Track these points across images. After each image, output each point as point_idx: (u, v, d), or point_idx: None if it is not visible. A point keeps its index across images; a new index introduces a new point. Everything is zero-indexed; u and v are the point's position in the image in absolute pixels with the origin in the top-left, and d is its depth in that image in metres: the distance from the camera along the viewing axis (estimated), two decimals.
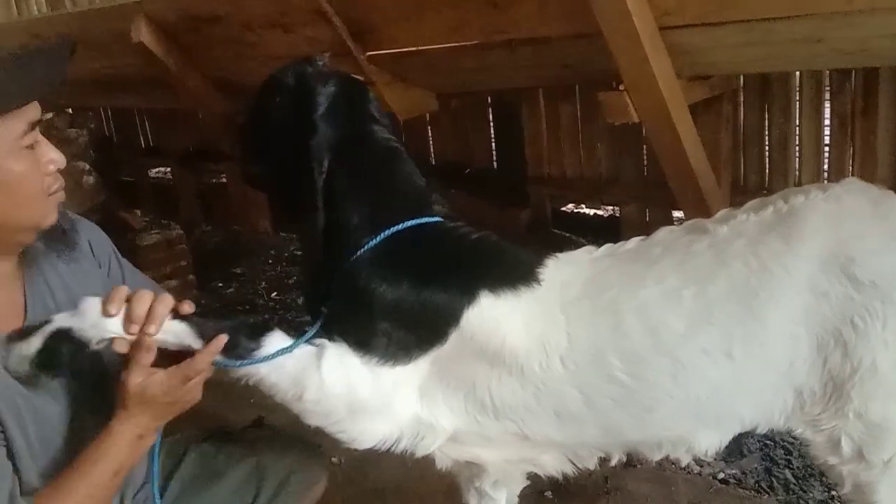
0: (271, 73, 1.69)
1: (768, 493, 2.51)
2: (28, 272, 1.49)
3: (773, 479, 2.58)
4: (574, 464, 1.65)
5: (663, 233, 1.63)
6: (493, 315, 1.49)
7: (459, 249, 1.57)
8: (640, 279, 1.52)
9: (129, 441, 1.37)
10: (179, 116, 5.56)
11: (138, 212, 4.68)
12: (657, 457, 1.62)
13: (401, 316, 1.48)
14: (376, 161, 1.62)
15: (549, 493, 2.58)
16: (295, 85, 1.64)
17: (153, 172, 6.43)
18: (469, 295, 1.49)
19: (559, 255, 1.62)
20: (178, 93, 4.02)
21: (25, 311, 1.45)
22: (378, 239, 1.53)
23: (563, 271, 1.58)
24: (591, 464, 1.65)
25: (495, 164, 4.30)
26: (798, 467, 2.57)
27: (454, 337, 1.49)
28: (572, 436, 1.58)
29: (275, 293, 4.77)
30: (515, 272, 1.55)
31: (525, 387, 1.51)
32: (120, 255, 1.72)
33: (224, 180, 5.71)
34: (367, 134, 1.64)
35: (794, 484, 2.53)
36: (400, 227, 1.53)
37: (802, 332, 1.46)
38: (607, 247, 1.64)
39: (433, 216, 1.58)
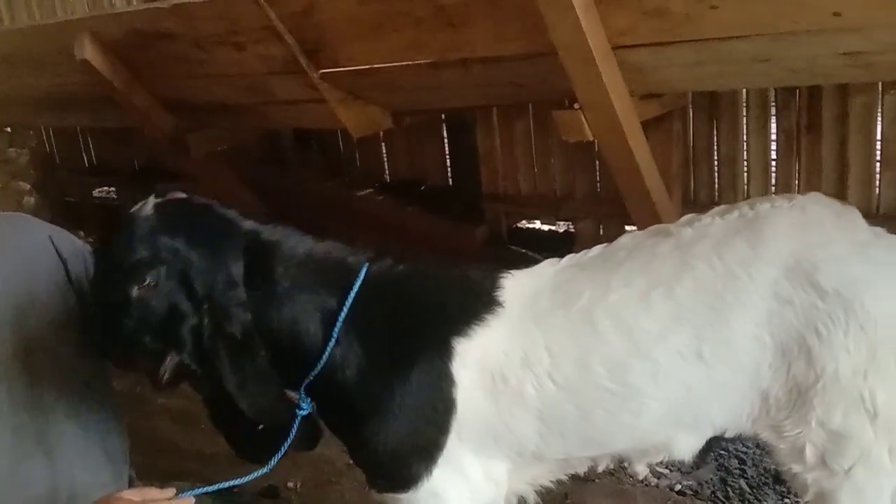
0: (118, 241, 1.39)
1: (724, 503, 2.55)
2: None
3: (729, 489, 2.61)
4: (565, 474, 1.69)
5: (627, 238, 1.64)
6: (474, 357, 1.49)
7: (409, 306, 1.54)
8: (608, 284, 1.52)
9: None
10: (124, 135, 5.43)
11: (82, 233, 4.54)
12: (642, 462, 1.70)
13: (412, 417, 1.47)
14: (279, 262, 1.49)
15: None
16: (161, 248, 1.39)
17: (97, 192, 6.26)
18: (445, 351, 1.48)
19: (516, 271, 1.62)
20: (124, 111, 3.91)
21: None
22: (332, 342, 1.47)
23: (526, 286, 1.58)
24: (581, 471, 1.69)
25: (450, 180, 4.31)
26: (752, 476, 2.61)
27: (460, 396, 1.49)
28: (576, 451, 1.59)
29: None
30: (474, 303, 1.54)
31: (529, 412, 1.50)
32: None
33: None
34: (256, 246, 1.49)
35: (749, 493, 2.57)
36: (342, 313, 1.47)
37: (767, 337, 1.48)
38: (570, 257, 1.64)
39: (360, 267, 1.52)
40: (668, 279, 1.51)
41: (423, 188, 4.32)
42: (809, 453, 1.52)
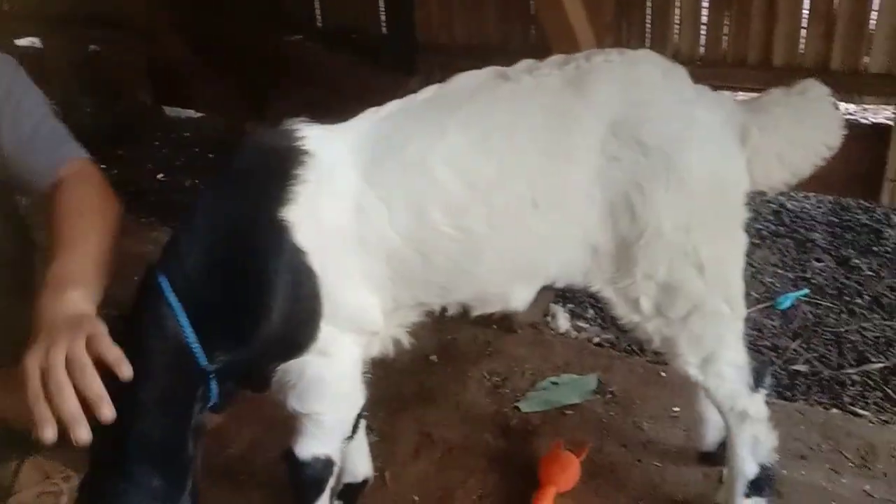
0: None
1: (639, 355, 2.71)
2: None
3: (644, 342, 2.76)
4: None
5: (462, 79, 1.60)
6: (308, 218, 1.44)
7: (222, 223, 1.45)
8: (443, 128, 1.49)
9: None
10: None
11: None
12: (479, 312, 1.68)
13: (286, 303, 1.43)
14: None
15: (434, 357, 2.72)
16: None
17: (21, 42, 5.93)
18: (278, 227, 1.42)
19: (325, 125, 1.55)
20: None
21: None
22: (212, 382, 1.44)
23: (343, 137, 1.52)
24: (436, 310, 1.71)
25: (384, 28, 4.18)
26: None
27: (314, 260, 1.45)
28: (425, 298, 1.62)
29: (161, 175, 4.60)
30: (278, 166, 1.46)
31: (379, 260, 1.50)
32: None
33: (97, 49, 5.33)
34: None
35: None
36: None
37: (596, 192, 1.50)
38: (395, 103, 1.58)
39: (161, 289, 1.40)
40: (506, 125, 1.50)
41: (354, 37, 4.19)
42: (644, 304, 1.59)
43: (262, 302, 1.42)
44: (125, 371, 1.22)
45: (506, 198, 1.49)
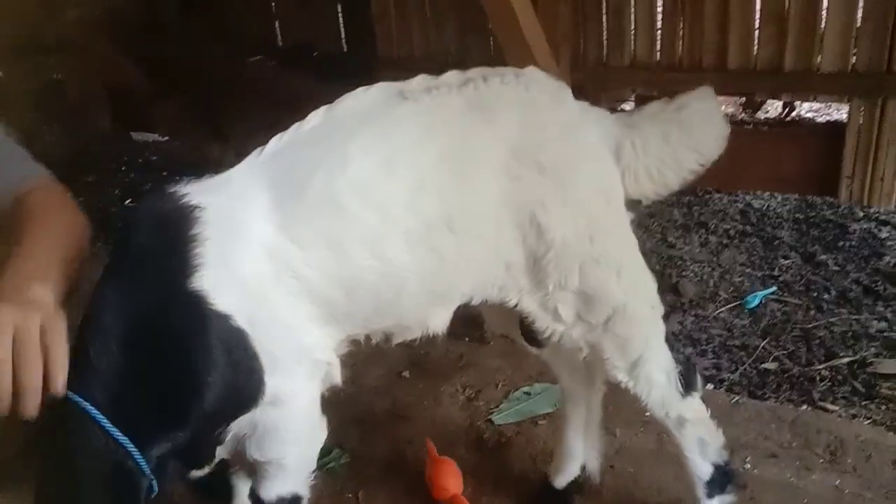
0: None
1: None
2: None
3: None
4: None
5: (351, 101, 1.52)
6: (221, 278, 1.35)
7: (129, 311, 1.31)
8: (345, 156, 1.43)
9: None
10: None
11: None
12: (400, 339, 1.64)
13: (223, 372, 1.35)
14: None
15: (406, 373, 2.70)
16: None
17: None
18: (193, 299, 1.33)
19: (204, 179, 1.45)
20: None
21: None
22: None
23: (232, 184, 1.44)
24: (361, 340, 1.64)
25: (344, 45, 4.20)
26: None
27: (240, 321, 1.37)
28: (351, 331, 1.57)
29: (129, 200, 4.57)
30: (174, 232, 1.36)
31: (302, 300, 1.44)
32: None
33: (58, 77, 5.28)
34: None
35: None
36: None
37: (504, 212, 1.52)
38: (277, 137, 1.49)
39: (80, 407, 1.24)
40: (412, 147, 1.46)
41: (316, 54, 4.19)
42: (564, 312, 1.60)
43: (197, 385, 1.34)
44: (58, 388, 1.16)
45: (420, 222, 1.46)
